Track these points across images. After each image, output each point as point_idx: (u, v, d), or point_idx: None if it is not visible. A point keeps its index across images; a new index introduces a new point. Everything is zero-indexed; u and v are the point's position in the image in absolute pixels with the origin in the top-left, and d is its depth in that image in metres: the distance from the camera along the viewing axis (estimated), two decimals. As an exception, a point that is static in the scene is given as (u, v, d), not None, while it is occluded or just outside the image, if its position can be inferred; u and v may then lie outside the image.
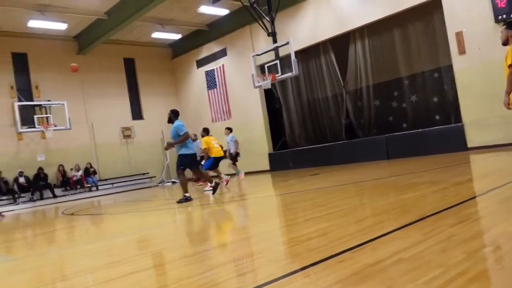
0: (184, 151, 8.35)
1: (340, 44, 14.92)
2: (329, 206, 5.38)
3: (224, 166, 13.87)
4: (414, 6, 12.36)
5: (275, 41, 14.18)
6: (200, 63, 20.26)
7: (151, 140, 20.24)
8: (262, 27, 14.34)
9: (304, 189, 8.29)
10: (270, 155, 17.31)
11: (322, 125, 16.57)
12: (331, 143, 15.16)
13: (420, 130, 12.46)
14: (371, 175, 9.01)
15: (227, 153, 13.51)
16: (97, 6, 15.77)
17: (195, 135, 15.00)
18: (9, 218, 10.07)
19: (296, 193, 7.91)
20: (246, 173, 14.94)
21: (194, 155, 8.72)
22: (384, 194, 5.73)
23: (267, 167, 17.21)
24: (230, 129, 14.13)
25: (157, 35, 19.37)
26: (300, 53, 15.31)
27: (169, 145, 8.77)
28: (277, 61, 13.97)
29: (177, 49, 21.48)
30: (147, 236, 5.43)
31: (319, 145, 15.52)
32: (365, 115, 14.95)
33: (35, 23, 15.93)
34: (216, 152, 11.48)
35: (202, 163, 11.84)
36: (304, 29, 15.45)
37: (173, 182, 19.41)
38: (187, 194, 8.38)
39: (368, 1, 13.47)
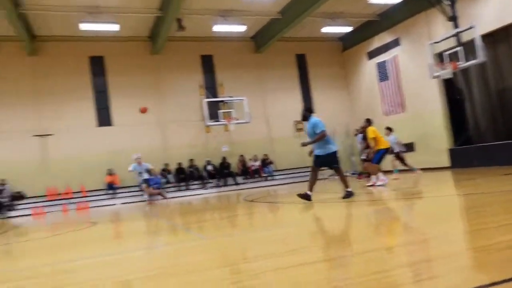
0: (320, 151, 7.81)
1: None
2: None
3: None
4: None
5: (456, 26, 12.91)
6: (371, 54, 19.71)
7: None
8: (440, 12, 13.19)
9: (495, 190, 7.35)
10: (450, 150, 15.85)
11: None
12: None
13: None
14: None
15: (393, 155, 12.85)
16: (271, 7, 16.71)
17: (357, 130, 14.97)
18: (200, 200, 11.50)
19: (484, 194, 7.07)
20: (421, 170, 13.99)
21: (334, 153, 7.91)
22: None
23: (446, 164, 15.81)
24: (390, 129, 13.00)
25: (327, 29, 19.55)
26: (486, 37, 13.56)
27: (304, 145, 8.09)
28: (459, 48, 12.70)
29: (347, 42, 21.30)
30: (321, 227, 5.54)
31: (511, 141, 13.54)
32: None
33: (219, 28, 17.74)
34: (384, 143, 10.65)
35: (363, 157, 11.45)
36: (490, 10, 13.62)
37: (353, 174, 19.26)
38: (349, 189, 7.90)
39: None
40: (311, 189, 7.96)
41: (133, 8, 15.69)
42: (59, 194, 16.53)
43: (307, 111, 8.08)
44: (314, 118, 7.94)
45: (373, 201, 7.82)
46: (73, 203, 16.46)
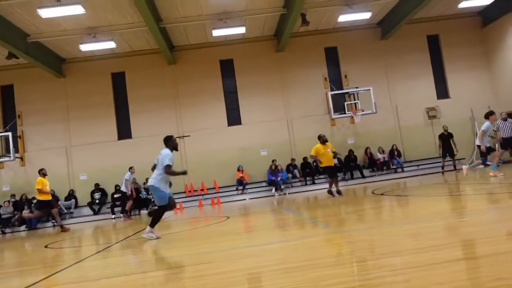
0: None
1: None
2: None
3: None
4: None
5: None
6: (520, 27, 17.30)
7: (459, 119, 18.79)
8: None
9: None
10: None
11: None
12: None
13: None
14: None
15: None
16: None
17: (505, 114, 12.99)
18: (327, 195, 11.39)
19: None
20: None
21: None
22: None
23: None
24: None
25: (464, 4, 17.75)
26: None
27: None
28: None
29: (488, 16, 19.02)
30: (457, 223, 5.06)
31: None
32: None
33: (343, 18, 17.35)
34: None
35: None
36: None
37: (486, 165, 17.46)
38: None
39: None
40: None
41: (259, 9, 16.20)
42: (195, 190, 17.98)
43: None
44: None
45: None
46: (207, 198, 17.74)
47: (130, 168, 14.93)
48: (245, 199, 17.24)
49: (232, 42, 18.89)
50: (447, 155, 15.67)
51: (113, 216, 16.14)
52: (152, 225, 7.02)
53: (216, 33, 17.07)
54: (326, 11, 16.96)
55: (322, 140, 11.13)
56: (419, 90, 19.25)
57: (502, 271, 2.75)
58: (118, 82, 19.21)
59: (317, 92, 19.23)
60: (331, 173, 11.49)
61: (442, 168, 15.90)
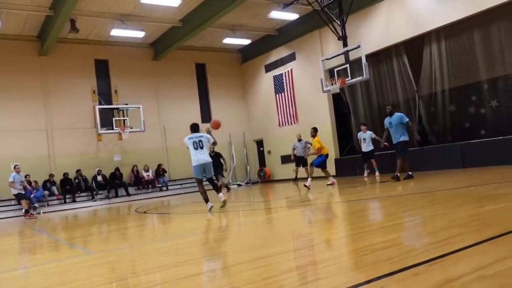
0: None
1: (413, 47, 14.31)
2: (400, 215, 5.14)
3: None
4: (499, 4, 11.53)
5: (345, 44, 13.96)
6: (269, 67, 20.43)
7: (219, 143, 20.57)
8: (332, 31, 14.19)
9: (373, 196, 8.02)
10: (336, 160, 16.98)
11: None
12: (402, 150, 14.50)
13: (501, 137, 11.57)
14: (445, 184, 8.51)
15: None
16: (173, 15, 16.47)
17: (299, 135, 15.98)
18: (89, 213, 10.77)
19: (364, 200, 7.66)
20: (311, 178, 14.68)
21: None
22: (460, 205, 5.37)
23: (333, 172, 16.89)
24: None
25: (227, 40, 19.86)
26: (371, 57, 14.89)
27: None
28: (347, 65, 13.75)
29: (246, 54, 21.83)
30: (210, 237, 5.52)
31: (388, 152, 14.94)
32: (439, 121, 14.19)
33: (117, 32, 17.01)
34: (326, 150, 11.85)
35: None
36: (376, 32, 15.01)
37: (239, 185, 19.69)
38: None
39: (446, 1, 12.79)
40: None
41: (19, 5, 14.25)
42: None
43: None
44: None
45: (275, 209, 7.98)
46: None
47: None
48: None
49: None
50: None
51: None
52: None
53: None
54: (98, 21, 16.31)
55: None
56: (186, 112, 20.31)
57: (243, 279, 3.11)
58: None
59: (84, 104, 18.11)
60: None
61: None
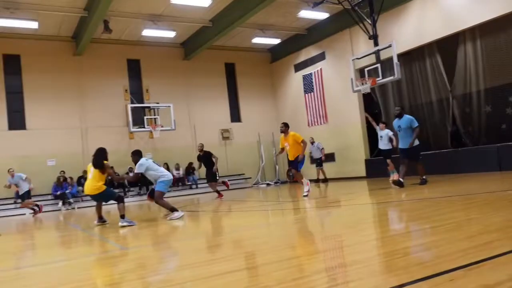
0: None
1: (447, 45, 13.95)
2: (434, 218, 5.02)
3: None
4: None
5: (376, 44, 13.73)
6: (298, 67, 20.34)
7: (248, 142, 20.78)
8: (363, 30, 13.99)
9: (405, 198, 7.86)
10: (366, 161, 16.75)
11: (425, 132, 15.55)
12: (435, 151, 14.18)
13: (542, 140, 11.14)
14: (481, 187, 8.25)
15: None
16: (203, 15, 16.65)
17: (312, 138, 16.52)
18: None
19: (395, 202, 7.53)
20: (340, 179, 14.60)
21: None
22: (498, 210, 5.19)
23: (363, 174, 16.68)
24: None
25: (257, 40, 19.89)
26: (402, 56, 14.60)
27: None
28: (378, 65, 13.51)
29: (276, 54, 21.81)
30: (240, 237, 5.54)
31: (421, 153, 14.61)
32: (474, 122, 13.78)
33: (148, 32, 17.33)
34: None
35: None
36: (408, 31, 14.71)
37: (268, 184, 19.70)
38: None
39: (482, -2, 12.40)
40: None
41: (55, 6, 14.72)
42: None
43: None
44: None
45: (301, 209, 7.96)
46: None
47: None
48: (24, 214, 15.14)
49: (20, 36, 16.69)
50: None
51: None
52: None
53: (0, 22, 14.84)
54: (130, 22, 16.68)
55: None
56: (216, 111, 20.54)
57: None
58: None
59: (117, 102, 18.57)
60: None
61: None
